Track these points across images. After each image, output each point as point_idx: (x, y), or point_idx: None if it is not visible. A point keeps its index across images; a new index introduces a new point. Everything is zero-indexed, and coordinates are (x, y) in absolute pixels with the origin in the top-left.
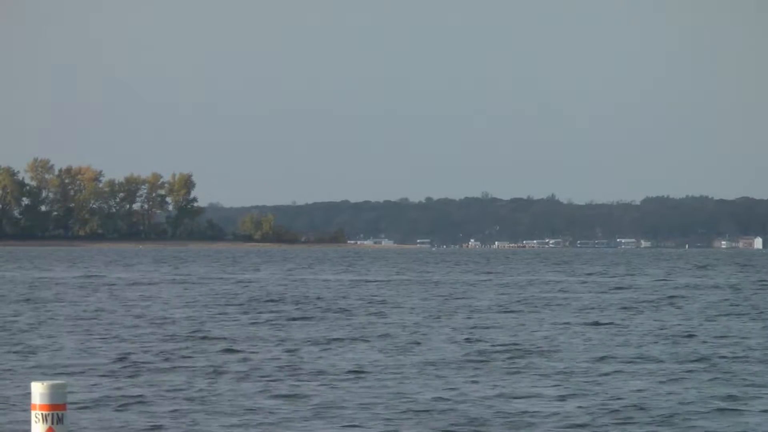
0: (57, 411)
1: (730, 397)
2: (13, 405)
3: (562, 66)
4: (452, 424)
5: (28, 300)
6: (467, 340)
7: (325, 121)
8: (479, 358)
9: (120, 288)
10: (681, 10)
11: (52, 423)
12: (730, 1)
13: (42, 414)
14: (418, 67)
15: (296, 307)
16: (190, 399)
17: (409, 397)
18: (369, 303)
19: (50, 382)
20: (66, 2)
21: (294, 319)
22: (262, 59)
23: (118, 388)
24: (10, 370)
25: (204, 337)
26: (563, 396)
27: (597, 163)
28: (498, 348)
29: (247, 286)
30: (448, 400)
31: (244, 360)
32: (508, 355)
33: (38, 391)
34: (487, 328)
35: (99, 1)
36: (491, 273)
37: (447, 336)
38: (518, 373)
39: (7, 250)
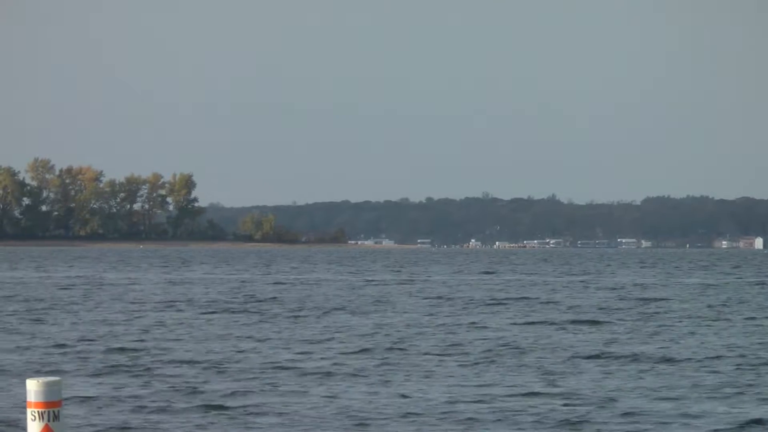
0: (52, 408)
1: (732, 396)
2: (14, 405)
3: (562, 66)
4: (452, 423)
5: (26, 300)
6: (467, 339)
7: (325, 121)
8: (479, 357)
9: (120, 287)
10: (681, 10)
11: (48, 420)
12: (730, 1)
13: (38, 412)
14: (418, 67)
15: (296, 306)
16: (190, 398)
17: (410, 397)
18: (369, 302)
19: (45, 379)
20: (66, 2)
21: (294, 318)
22: (262, 59)
23: (117, 386)
24: (8, 369)
25: (204, 337)
26: (563, 394)
27: (597, 163)
28: (498, 347)
29: (247, 286)
30: (449, 398)
31: (245, 359)
32: (509, 354)
33: (33, 388)
34: (486, 327)
35: (99, 1)
36: (491, 273)
37: (447, 335)
38: (518, 371)
39: (7, 250)
